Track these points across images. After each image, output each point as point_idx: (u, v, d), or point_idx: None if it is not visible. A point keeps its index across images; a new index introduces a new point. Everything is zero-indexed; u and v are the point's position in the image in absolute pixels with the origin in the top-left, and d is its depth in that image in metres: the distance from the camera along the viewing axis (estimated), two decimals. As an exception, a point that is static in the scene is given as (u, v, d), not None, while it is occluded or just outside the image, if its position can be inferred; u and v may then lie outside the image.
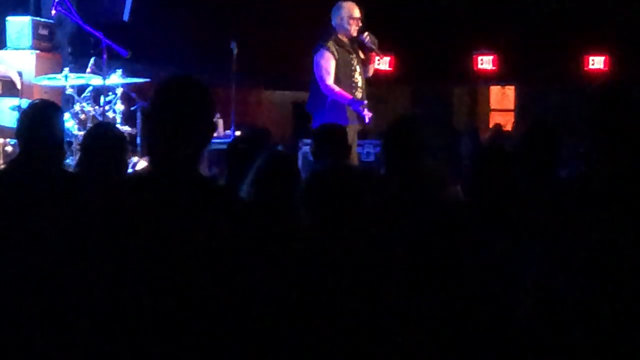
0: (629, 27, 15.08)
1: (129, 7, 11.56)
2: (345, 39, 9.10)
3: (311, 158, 10.38)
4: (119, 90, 9.76)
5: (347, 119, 8.76)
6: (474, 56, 16.63)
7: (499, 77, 17.11)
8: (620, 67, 15.48)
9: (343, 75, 9.02)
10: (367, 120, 8.94)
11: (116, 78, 9.71)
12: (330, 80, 8.93)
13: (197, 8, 12.84)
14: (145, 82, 10.26)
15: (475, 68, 16.69)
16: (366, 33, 9.13)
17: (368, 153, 9.93)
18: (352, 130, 8.81)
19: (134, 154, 9.78)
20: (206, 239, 3.27)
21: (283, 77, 14.90)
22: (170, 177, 3.33)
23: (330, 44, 8.99)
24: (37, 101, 5.49)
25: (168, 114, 3.38)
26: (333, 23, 9.13)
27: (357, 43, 9.23)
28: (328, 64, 8.94)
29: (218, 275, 3.27)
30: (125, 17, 11.49)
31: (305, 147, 10.46)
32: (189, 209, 3.30)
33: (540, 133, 5.30)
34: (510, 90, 18.82)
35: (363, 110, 8.86)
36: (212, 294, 3.25)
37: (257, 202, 4.54)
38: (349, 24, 9.08)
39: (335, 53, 8.97)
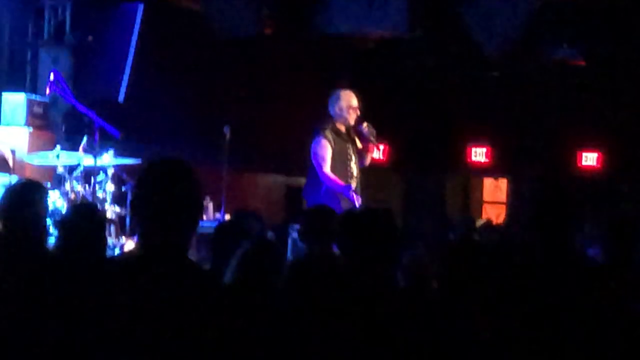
0: (623, 126, 15.17)
1: (125, 88, 11.61)
2: (342, 128, 9.13)
3: (301, 244, 10.40)
4: (110, 171, 9.75)
5: (341, 207, 8.77)
6: (468, 147, 16.67)
7: (492, 169, 17.14)
8: (612, 164, 15.54)
9: (339, 164, 9.04)
10: (357, 204, 8.93)
11: (108, 158, 9.71)
12: (327, 168, 8.95)
13: (191, 90, 12.89)
14: (137, 162, 10.26)
15: (468, 159, 16.73)
16: (365, 124, 9.17)
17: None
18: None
19: (123, 234, 9.74)
20: (188, 324, 3.24)
21: (277, 161, 14.93)
22: (157, 262, 3.30)
23: (328, 132, 9.02)
24: (22, 180, 5.49)
25: (154, 198, 3.36)
26: (331, 111, 9.16)
27: (354, 132, 9.26)
28: (324, 152, 8.96)
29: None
30: (121, 98, 11.54)
31: (295, 233, 10.43)
32: (174, 294, 3.27)
33: None
34: (503, 183, 18.84)
35: (352, 195, 8.87)
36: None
37: (238, 288, 4.52)
38: (348, 113, 9.13)
39: (332, 142, 9.01)
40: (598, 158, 15.69)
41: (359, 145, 9.36)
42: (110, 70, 11.73)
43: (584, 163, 15.78)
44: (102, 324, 3.24)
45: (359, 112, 9.19)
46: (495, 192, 19.43)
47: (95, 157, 9.51)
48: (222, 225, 6.53)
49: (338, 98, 9.19)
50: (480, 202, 19.54)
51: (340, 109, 9.13)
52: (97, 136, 9.46)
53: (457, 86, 15.87)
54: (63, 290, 3.58)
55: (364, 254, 4.71)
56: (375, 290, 4.61)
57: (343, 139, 9.14)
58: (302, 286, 4.01)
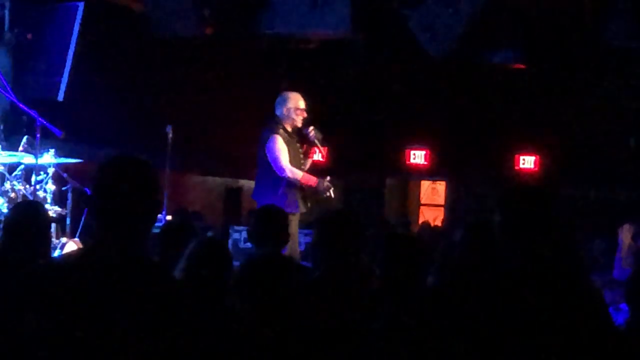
0: (560, 130, 15.35)
1: (64, 87, 11.49)
2: (289, 129, 9.10)
3: (241, 245, 10.37)
4: (51, 170, 9.63)
5: (297, 206, 8.76)
6: (407, 150, 16.75)
7: (431, 172, 17.25)
8: (550, 167, 15.71)
9: (293, 164, 9.01)
10: (332, 195, 9.02)
11: (49, 158, 9.58)
12: (288, 164, 8.89)
13: (133, 90, 12.81)
14: (78, 162, 10.17)
15: (407, 162, 16.82)
16: (311, 127, 9.16)
17: (299, 243, 9.86)
18: (296, 218, 8.80)
19: (64, 234, 9.64)
20: (147, 321, 3.20)
21: (217, 163, 14.89)
22: (116, 259, 3.26)
23: (280, 132, 8.99)
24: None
25: (113, 194, 3.30)
26: (278, 113, 9.13)
27: (298, 135, 9.24)
28: (283, 148, 8.91)
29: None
30: (60, 96, 11.41)
31: (236, 234, 10.39)
32: (136, 292, 3.23)
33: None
34: (441, 186, 18.97)
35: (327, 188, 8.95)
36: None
37: (190, 285, 4.52)
38: (296, 114, 9.10)
39: (285, 142, 8.98)
40: (535, 161, 15.86)
41: (301, 148, 9.36)
42: (50, 69, 11.59)
43: (521, 166, 15.94)
44: (54, 323, 3.18)
45: (305, 115, 9.18)
46: (432, 194, 19.57)
47: (36, 156, 9.39)
48: (170, 224, 6.50)
49: (286, 100, 9.16)
50: (418, 205, 19.67)
51: (288, 111, 9.10)
52: (38, 135, 9.34)
53: (397, 89, 15.94)
54: (8, 291, 3.50)
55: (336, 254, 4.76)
56: (334, 292, 4.63)
57: (294, 139, 9.13)
58: (258, 285, 3.99)
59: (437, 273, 5.39)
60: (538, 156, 15.80)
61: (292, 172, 8.87)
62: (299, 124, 9.12)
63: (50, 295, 3.20)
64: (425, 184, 19.41)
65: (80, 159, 10.24)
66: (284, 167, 8.85)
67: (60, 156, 9.77)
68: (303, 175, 8.92)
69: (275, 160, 8.88)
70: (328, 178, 9.13)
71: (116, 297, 3.21)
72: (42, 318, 3.17)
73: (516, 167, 15.93)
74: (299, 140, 9.27)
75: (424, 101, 15.91)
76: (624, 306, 7.02)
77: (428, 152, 16.60)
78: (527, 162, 15.88)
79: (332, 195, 9.02)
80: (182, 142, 10.62)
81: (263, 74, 14.91)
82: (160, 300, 3.28)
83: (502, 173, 15.54)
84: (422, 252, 5.02)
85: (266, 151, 8.93)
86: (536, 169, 15.84)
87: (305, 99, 9.27)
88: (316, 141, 9.21)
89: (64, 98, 11.41)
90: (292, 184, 8.89)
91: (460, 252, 5.24)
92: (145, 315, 3.22)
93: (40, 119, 9.31)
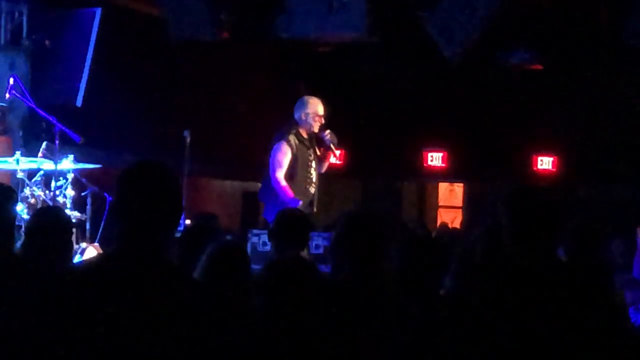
0: (578, 130, 15.30)
1: (82, 92, 11.53)
2: (305, 134, 9.14)
3: (260, 249, 10.39)
4: (70, 176, 9.70)
5: (302, 211, 8.79)
6: (424, 152, 16.73)
7: (448, 174, 17.21)
8: (568, 168, 15.66)
9: (300, 170, 9.06)
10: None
11: (68, 163, 9.64)
12: (280, 173, 8.97)
13: (151, 95, 12.84)
14: (97, 168, 10.22)
15: (425, 164, 16.79)
16: (327, 131, 9.20)
17: (317, 245, 9.88)
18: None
19: (83, 240, 9.68)
20: (171, 325, 3.22)
21: (235, 167, 14.90)
22: (142, 263, 3.27)
23: (292, 137, 9.04)
24: (-13, 185, 5.42)
25: (137, 199, 3.32)
26: (296, 117, 9.18)
27: (315, 139, 9.28)
28: (283, 158, 8.99)
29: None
30: (79, 102, 11.46)
31: (254, 238, 10.40)
32: (159, 297, 3.25)
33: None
34: (459, 188, 18.93)
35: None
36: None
37: (210, 286, 4.55)
38: (314, 120, 9.15)
39: (294, 147, 9.03)
40: (553, 162, 15.81)
41: (318, 152, 9.39)
42: (68, 75, 11.63)
43: (539, 167, 15.88)
44: (76, 328, 3.20)
45: (323, 121, 9.21)
46: (450, 196, 19.54)
47: (55, 162, 9.44)
48: (190, 228, 6.54)
49: (305, 104, 9.21)
50: (436, 207, 19.64)
51: (306, 115, 9.15)
52: (57, 141, 9.40)
53: (414, 91, 15.92)
54: (32, 295, 3.52)
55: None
56: (355, 293, 4.65)
57: (305, 145, 9.16)
58: (280, 286, 4.01)
59: (454, 275, 5.39)
60: (556, 157, 15.73)
61: (276, 181, 8.96)
62: (316, 130, 9.18)
63: (72, 301, 3.22)
64: (443, 186, 19.37)
65: (99, 164, 10.30)
66: (275, 177, 8.97)
67: (79, 162, 9.83)
68: (283, 187, 8.98)
69: (272, 167, 9.00)
70: (328, 131, 9.19)
71: (139, 302, 3.23)
72: (64, 324, 3.19)
73: (534, 168, 15.86)
74: (316, 143, 9.31)
75: (441, 103, 15.87)
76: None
77: (445, 154, 16.55)
78: (545, 162, 15.81)
79: (334, 144, 9.09)
80: (200, 146, 10.66)
81: (280, 78, 14.93)
82: (183, 304, 3.30)
83: (520, 174, 15.49)
84: (440, 254, 5.02)
85: (270, 155, 9.03)
86: (554, 169, 15.77)
87: (324, 104, 9.31)
88: (332, 145, 9.25)
89: (82, 104, 11.46)
90: (291, 188, 9.01)
91: (481, 253, 5.24)
92: (168, 320, 3.24)
93: (59, 124, 9.39)
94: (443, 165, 16.69)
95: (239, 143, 14.28)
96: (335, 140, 9.28)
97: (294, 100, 9.51)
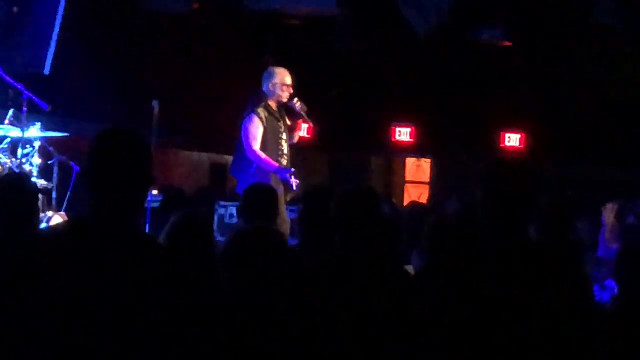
0: (546, 108, 15.36)
1: (50, 60, 11.45)
2: (274, 105, 9.10)
3: (227, 220, 10.38)
4: (37, 144, 9.63)
5: (271, 185, 8.75)
6: (392, 127, 16.74)
7: (416, 149, 17.24)
8: (535, 146, 15.72)
9: (271, 142, 9.02)
10: (294, 187, 8.95)
11: (35, 131, 9.58)
12: (256, 146, 8.92)
13: (120, 64, 12.77)
14: (64, 136, 10.16)
15: (393, 139, 16.81)
16: (296, 99, 9.17)
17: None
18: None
19: (50, 208, 9.63)
20: (139, 293, 3.22)
21: (203, 139, 14.86)
22: (112, 229, 3.26)
23: (261, 110, 8.99)
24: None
25: (108, 167, 3.30)
26: (264, 88, 9.13)
27: (285, 109, 9.25)
28: (256, 131, 8.94)
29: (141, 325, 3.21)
30: (47, 70, 11.37)
31: (221, 210, 10.39)
32: (127, 264, 3.24)
33: None
34: (426, 163, 18.96)
35: (290, 178, 8.87)
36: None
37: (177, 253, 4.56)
38: (282, 90, 9.11)
39: (265, 120, 8.98)
40: (521, 139, 15.87)
41: (289, 122, 9.36)
42: (36, 43, 11.54)
43: (507, 143, 15.95)
44: (42, 293, 3.18)
45: (291, 91, 9.18)
46: (417, 172, 19.57)
47: (22, 129, 9.38)
48: (166, 198, 6.55)
49: (272, 75, 9.17)
50: (403, 182, 19.67)
51: (274, 86, 9.11)
52: (24, 108, 9.34)
53: (383, 66, 15.91)
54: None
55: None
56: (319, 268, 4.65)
57: (275, 117, 9.12)
58: (246, 257, 3.98)
59: (425, 251, 5.40)
60: (524, 134, 15.81)
61: (255, 155, 8.91)
62: (285, 100, 9.14)
63: (39, 266, 3.21)
64: (411, 161, 19.40)
65: (67, 132, 10.23)
66: (253, 150, 8.92)
67: (46, 130, 9.76)
68: (265, 159, 8.92)
69: (247, 144, 8.94)
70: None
71: (106, 268, 3.22)
72: (31, 289, 3.18)
73: (501, 145, 15.93)
74: (287, 113, 9.28)
75: (410, 79, 15.88)
76: (609, 283, 7.08)
77: (414, 129, 16.58)
78: (513, 139, 15.87)
79: (295, 187, 8.99)
80: (168, 118, 10.61)
81: (249, 50, 14.87)
82: (152, 271, 3.30)
83: (487, 151, 15.54)
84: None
85: (242, 129, 8.98)
86: (521, 146, 15.84)
87: (292, 75, 9.28)
88: (302, 113, 9.23)
89: (51, 72, 11.37)
90: None
91: (453, 229, 5.24)
92: (135, 288, 3.24)
93: (26, 92, 9.32)
94: (411, 140, 16.72)
95: (208, 115, 14.24)
96: (306, 108, 9.25)
97: (262, 73, 9.46)
